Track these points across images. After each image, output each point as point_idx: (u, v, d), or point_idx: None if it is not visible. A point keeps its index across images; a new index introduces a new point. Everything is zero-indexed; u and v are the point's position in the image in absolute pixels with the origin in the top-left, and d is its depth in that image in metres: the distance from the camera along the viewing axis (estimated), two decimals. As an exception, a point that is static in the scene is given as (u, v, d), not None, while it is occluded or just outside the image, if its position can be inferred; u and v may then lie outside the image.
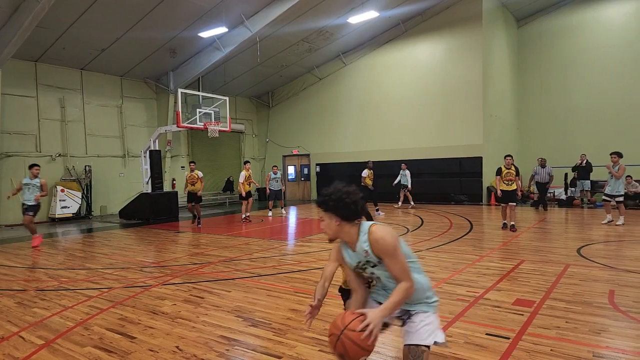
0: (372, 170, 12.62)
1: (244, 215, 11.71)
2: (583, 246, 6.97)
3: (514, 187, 8.85)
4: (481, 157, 15.04)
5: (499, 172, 9.03)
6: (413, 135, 16.28)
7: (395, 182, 14.35)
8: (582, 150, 13.84)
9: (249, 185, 11.87)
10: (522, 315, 3.81)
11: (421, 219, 11.28)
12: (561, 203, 14.13)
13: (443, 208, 13.88)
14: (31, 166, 8.67)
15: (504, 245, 7.28)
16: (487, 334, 3.39)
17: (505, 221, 9.11)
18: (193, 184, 11.20)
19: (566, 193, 14.42)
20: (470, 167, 15.22)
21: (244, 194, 11.54)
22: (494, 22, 16.01)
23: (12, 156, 12.60)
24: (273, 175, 13.09)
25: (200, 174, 11.31)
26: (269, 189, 13.15)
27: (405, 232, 9.11)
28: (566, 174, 14.55)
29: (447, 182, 15.67)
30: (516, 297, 4.32)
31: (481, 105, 14.88)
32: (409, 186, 14.26)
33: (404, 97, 16.53)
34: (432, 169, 15.83)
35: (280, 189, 13.22)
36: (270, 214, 13.18)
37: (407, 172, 14.25)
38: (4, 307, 4.59)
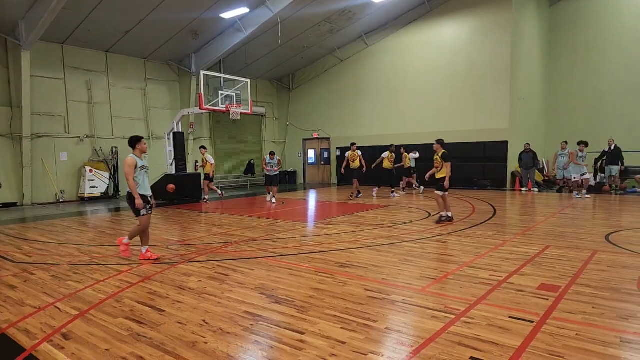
0: (393, 154, 12.94)
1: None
2: (612, 233, 6.77)
3: (441, 174, 8.05)
4: (507, 142, 14.65)
5: None
6: (436, 118, 15.95)
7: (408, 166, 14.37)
8: (613, 134, 13.29)
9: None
10: (547, 299, 3.75)
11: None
12: (590, 189, 13.68)
13: (465, 193, 13.67)
14: None
15: (529, 231, 7.14)
16: (510, 317, 3.36)
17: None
18: (203, 167, 12.91)
19: (595, 179, 13.93)
20: (495, 152, 14.86)
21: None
22: (525, 1, 15.29)
23: (43, 137, 13.07)
24: (269, 160, 12.38)
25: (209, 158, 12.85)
26: (265, 174, 12.57)
27: (427, 216, 9.04)
28: (595, 160, 14.03)
29: (470, 167, 15.37)
30: (541, 282, 4.26)
31: (509, 87, 14.39)
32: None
33: (428, 79, 16.15)
34: (455, 153, 15.43)
35: (277, 175, 12.49)
36: (268, 199, 12.61)
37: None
38: (39, 280, 4.84)
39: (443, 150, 8.05)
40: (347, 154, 12.72)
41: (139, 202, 5.36)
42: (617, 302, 3.67)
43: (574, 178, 12.11)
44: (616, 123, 15.33)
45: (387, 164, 12.92)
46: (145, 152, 5.56)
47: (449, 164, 7.93)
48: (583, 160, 11.94)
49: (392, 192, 13.23)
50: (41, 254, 6.22)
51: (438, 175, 8.11)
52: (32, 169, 12.65)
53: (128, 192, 5.42)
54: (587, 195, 11.71)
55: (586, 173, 11.97)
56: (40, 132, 12.98)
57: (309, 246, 6.37)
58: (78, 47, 13.69)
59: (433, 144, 8.36)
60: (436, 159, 8.16)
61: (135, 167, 5.35)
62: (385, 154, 12.89)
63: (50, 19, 10.66)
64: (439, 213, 8.30)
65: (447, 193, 8.05)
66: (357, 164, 12.49)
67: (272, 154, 12.47)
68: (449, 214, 8.16)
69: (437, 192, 8.05)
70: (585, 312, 3.45)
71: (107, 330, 3.34)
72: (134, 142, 5.49)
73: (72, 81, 13.71)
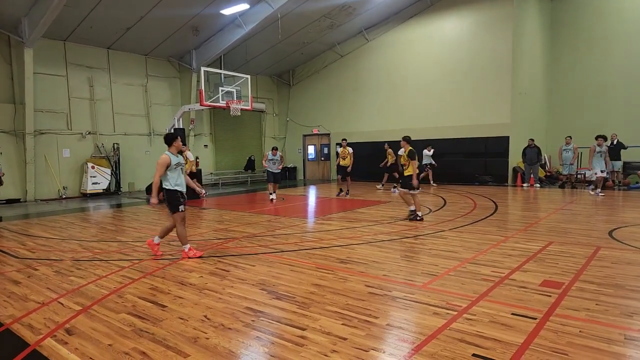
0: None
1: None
2: (615, 229, 6.74)
3: (408, 172, 7.84)
4: (508, 137, 14.58)
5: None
6: (437, 113, 15.86)
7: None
8: (615, 129, 13.20)
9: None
10: (550, 296, 3.73)
11: (444, 199, 11.12)
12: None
13: (467, 189, 13.63)
14: None
15: (531, 227, 7.12)
16: (512, 314, 3.35)
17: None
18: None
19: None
20: (496, 147, 14.80)
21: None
22: (527, -5, 15.19)
23: (45, 133, 13.09)
24: (271, 157, 11.73)
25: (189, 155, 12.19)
26: (267, 170, 11.88)
27: (427, 212, 9.02)
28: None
29: (472, 163, 15.32)
30: (544, 279, 4.24)
31: (510, 82, 14.31)
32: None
33: (429, 74, 16.06)
34: (456, 149, 15.47)
35: (279, 172, 11.91)
36: (271, 197, 11.84)
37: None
38: (43, 276, 4.86)
39: (410, 148, 7.85)
40: (339, 150, 12.47)
41: (153, 200, 5.39)
42: (621, 299, 3.65)
43: (596, 174, 11.41)
44: (619, 118, 15.23)
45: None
46: (179, 150, 5.54)
47: (415, 162, 7.74)
48: (601, 156, 11.26)
49: (394, 187, 13.22)
50: (44, 250, 6.24)
51: (405, 173, 7.95)
52: (35, 165, 12.68)
53: (165, 189, 5.40)
54: (601, 194, 11.20)
55: (605, 170, 11.39)
56: (42, 128, 13.00)
57: (310, 242, 6.37)
58: (80, 44, 13.67)
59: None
60: (402, 156, 7.94)
61: (169, 165, 5.31)
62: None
63: (53, 16, 10.67)
64: (414, 210, 7.92)
65: (417, 191, 7.86)
66: (347, 161, 12.07)
67: (274, 149, 11.80)
68: (419, 212, 7.90)
69: (402, 189, 7.91)
70: (589, 309, 3.43)
71: (109, 326, 3.34)
72: (171, 139, 5.45)
73: (74, 78, 13.71)
